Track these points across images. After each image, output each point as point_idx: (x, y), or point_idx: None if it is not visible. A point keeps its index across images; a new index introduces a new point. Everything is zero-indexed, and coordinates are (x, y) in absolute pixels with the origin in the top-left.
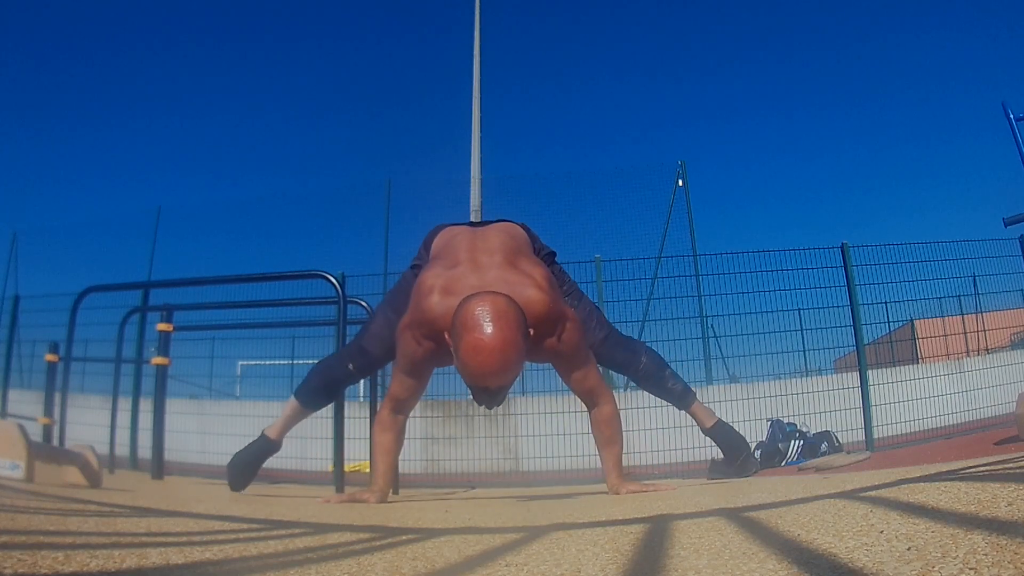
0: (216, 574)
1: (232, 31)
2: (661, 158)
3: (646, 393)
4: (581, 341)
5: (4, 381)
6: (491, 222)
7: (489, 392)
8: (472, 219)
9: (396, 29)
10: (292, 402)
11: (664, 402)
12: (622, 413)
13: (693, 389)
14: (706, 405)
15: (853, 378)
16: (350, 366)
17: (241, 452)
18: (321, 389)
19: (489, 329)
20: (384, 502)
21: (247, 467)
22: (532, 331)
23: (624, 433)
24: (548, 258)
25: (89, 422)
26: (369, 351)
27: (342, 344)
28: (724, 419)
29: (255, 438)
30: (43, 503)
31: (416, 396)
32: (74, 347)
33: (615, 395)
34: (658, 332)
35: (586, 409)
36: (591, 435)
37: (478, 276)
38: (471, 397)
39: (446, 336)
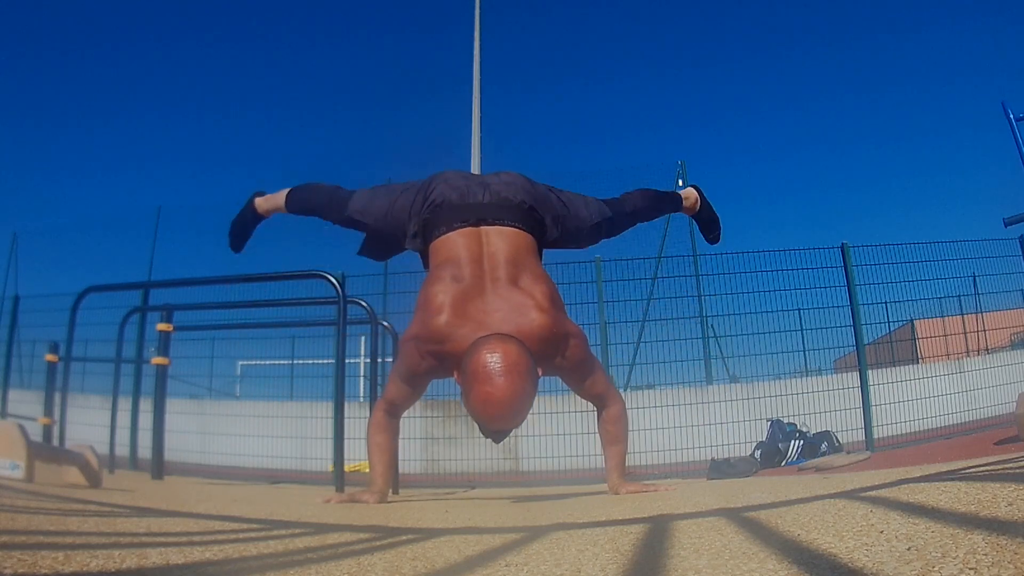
0: (216, 574)
1: (232, 30)
2: (661, 158)
3: (647, 393)
4: (585, 354)
5: (4, 381)
6: (494, 187)
7: (498, 433)
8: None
9: (397, 28)
10: (284, 193)
11: (665, 403)
12: None
13: (672, 192)
14: (686, 189)
15: (853, 378)
16: (335, 214)
17: (235, 218)
18: (305, 207)
19: (500, 381)
20: (384, 502)
21: (239, 231)
22: (536, 352)
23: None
24: (555, 222)
25: (89, 422)
26: (356, 220)
27: (342, 344)
28: (724, 419)
29: (247, 202)
30: (43, 503)
31: (412, 402)
32: (74, 347)
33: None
34: (658, 332)
35: (591, 410)
36: (592, 435)
37: (483, 301)
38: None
39: (456, 374)
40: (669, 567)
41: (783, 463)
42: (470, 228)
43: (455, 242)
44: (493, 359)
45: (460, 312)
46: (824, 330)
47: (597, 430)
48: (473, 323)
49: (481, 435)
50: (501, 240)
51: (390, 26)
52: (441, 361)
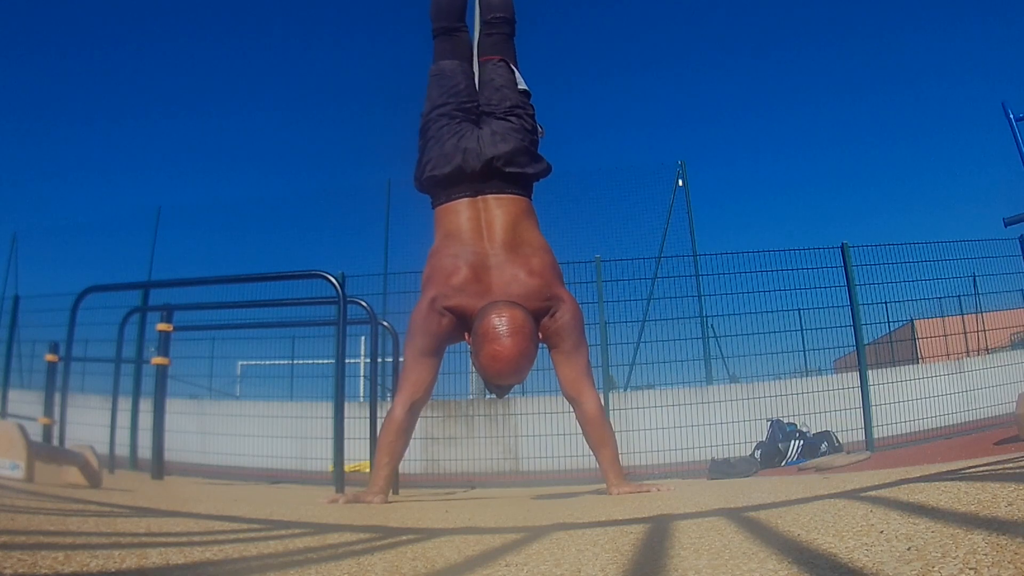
0: (216, 574)
1: (232, 30)
2: (661, 158)
3: (647, 393)
4: (574, 322)
5: (4, 381)
6: (487, 149)
7: (502, 387)
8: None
9: (396, 29)
10: None
11: (665, 403)
12: (623, 413)
13: None
14: None
15: (853, 378)
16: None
17: None
18: None
19: (507, 341)
20: (384, 502)
21: None
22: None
23: (625, 433)
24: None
25: (89, 422)
26: None
27: (342, 344)
28: (724, 419)
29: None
30: (43, 503)
31: (432, 380)
32: (74, 347)
33: (617, 394)
34: (658, 332)
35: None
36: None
37: (486, 272)
38: (472, 397)
39: (467, 336)
40: (669, 567)
41: (783, 463)
42: (468, 199)
43: (456, 213)
44: (501, 321)
45: (472, 275)
46: (824, 330)
47: (582, 433)
48: (482, 286)
49: (488, 391)
50: (499, 209)
51: (390, 25)
52: (459, 318)
